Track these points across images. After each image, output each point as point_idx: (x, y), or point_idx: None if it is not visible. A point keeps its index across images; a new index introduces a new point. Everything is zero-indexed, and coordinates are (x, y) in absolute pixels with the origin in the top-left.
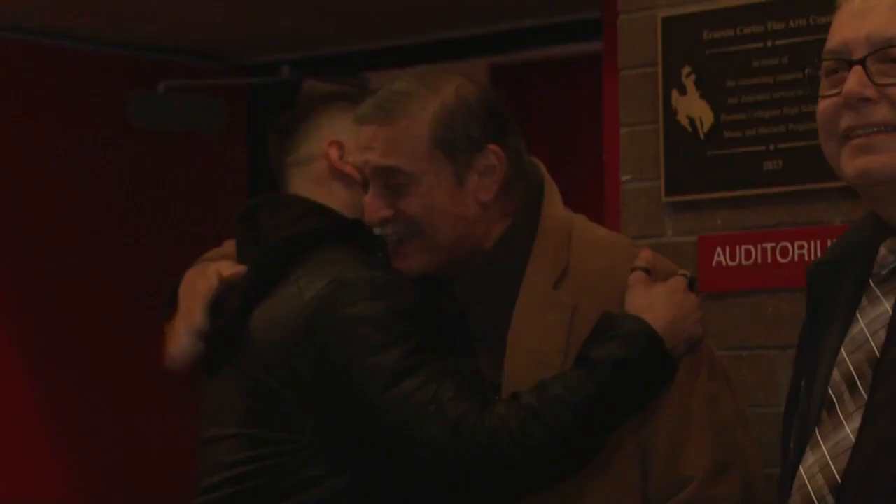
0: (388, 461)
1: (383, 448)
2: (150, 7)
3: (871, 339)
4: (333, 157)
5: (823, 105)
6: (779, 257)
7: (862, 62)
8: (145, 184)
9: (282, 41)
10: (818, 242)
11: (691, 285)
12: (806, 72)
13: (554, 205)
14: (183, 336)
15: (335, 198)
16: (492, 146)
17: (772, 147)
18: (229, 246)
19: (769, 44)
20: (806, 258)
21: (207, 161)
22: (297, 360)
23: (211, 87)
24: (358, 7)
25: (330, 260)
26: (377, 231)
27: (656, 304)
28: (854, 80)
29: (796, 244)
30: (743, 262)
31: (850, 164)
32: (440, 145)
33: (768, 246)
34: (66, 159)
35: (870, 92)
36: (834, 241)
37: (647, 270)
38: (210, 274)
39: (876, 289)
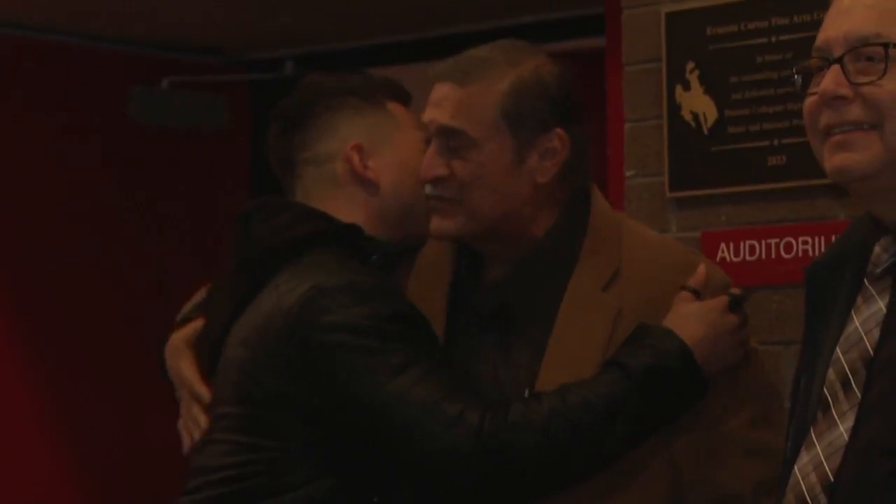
0: (379, 465)
1: (384, 451)
2: (151, 3)
3: (865, 338)
4: (356, 162)
5: (807, 103)
6: (783, 253)
7: (839, 60)
8: (146, 181)
9: (284, 37)
10: (822, 238)
11: (737, 305)
12: (794, 69)
13: (602, 202)
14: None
15: (352, 202)
16: (558, 130)
17: (776, 142)
18: (200, 296)
19: (773, 39)
20: (810, 254)
21: (209, 158)
22: (280, 369)
23: (214, 83)
24: (360, 3)
25: (312, 265)
26: (427, 190)
27: (689, 319)
28: (829, 79)
29: (800, 240)
30: (747, 257)
31: (829, 160)
32: (507, 118)
33: (772, 241)
34: (67, 157)
35: (844, 91)
36: (835, 238)
37: (696, 292)
38: (185, 350)
39: (870, 287)
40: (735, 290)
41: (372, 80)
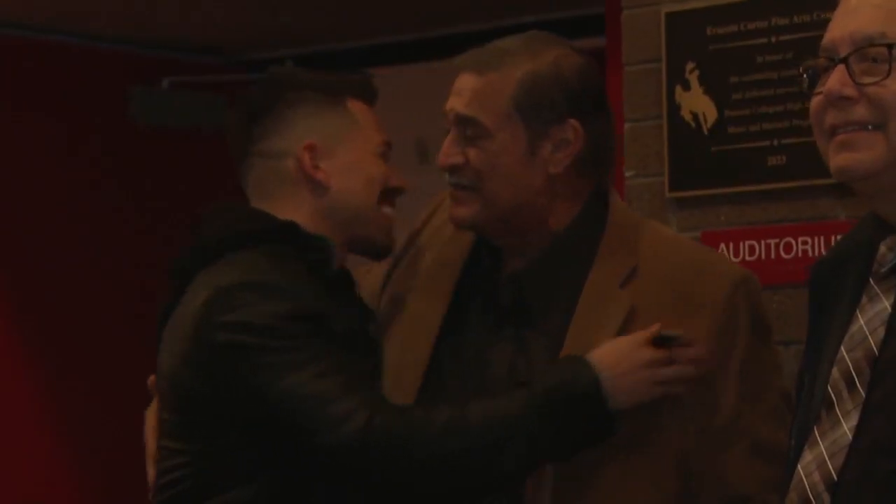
0: (306, 469)
1: (289, 448)
2: (151, 3)
3: (870, 337)
4: (307, 162)
5: (813, 102)
6: (782, 253)
7: (844, 60)
8: (146, 181)
9: (284, 37)
10: (822, 238)
11: (662, 343)
12: (801, 68)
13: (619, 201)
14: None
15: (299, 201)
16: (572, 121)
17: (775, 142)
18: None
19: (773, 39)
20: (810, 254)
21: (209, 158)
22: (193, 373)
23: (214, 83)
24: (360, 3)
25: (226, 264)
26: (446, 178)
27: (609, 349)
28: (834, 79)
29: (800, 240)
30: (747, 257)
31: (833, 160)
32: (521, 108)
33: (772, 242)
34: (67, 157)
35: (849, 91)
36: (838, 238)
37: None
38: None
39: (876, 286)
40: (670, 332)
41: (337, 77)
